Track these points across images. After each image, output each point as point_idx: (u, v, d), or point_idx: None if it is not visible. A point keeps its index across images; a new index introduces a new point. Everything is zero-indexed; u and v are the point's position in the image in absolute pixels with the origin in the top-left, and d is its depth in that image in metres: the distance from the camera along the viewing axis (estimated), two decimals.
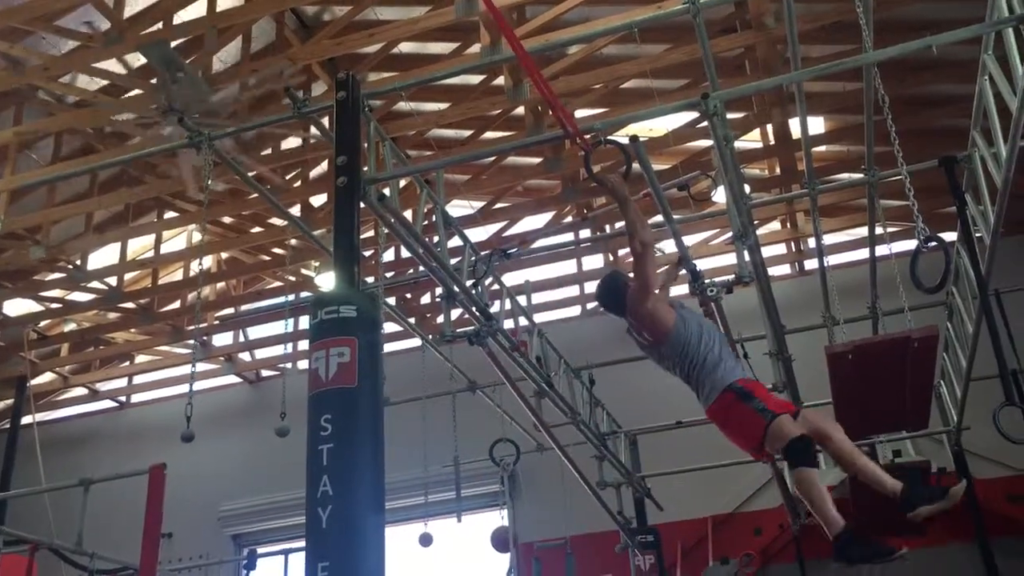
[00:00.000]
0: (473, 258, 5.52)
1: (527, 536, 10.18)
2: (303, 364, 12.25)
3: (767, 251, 9.76)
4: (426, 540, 7.38)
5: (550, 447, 8.10)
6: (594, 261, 11.51)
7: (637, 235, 4.52)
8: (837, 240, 10.52)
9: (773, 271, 8.68)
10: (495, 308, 5.59)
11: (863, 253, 9.86)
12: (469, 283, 5.06)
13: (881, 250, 6.52)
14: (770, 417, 4.29)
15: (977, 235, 5.41)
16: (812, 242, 10.70)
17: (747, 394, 4.47)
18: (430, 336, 8.38)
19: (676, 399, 9.85)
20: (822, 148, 9.99)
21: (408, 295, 11.80)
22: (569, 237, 11.11)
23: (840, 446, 4.35)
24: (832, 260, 10.55)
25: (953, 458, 8.24)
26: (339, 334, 3.68)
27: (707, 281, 4.68)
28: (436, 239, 5.07)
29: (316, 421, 3.59)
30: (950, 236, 10.31)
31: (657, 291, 4.79)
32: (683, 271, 5.13)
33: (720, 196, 8.57)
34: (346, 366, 3.62)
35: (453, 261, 5.18)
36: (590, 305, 11.70)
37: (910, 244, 9.23)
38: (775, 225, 10.96)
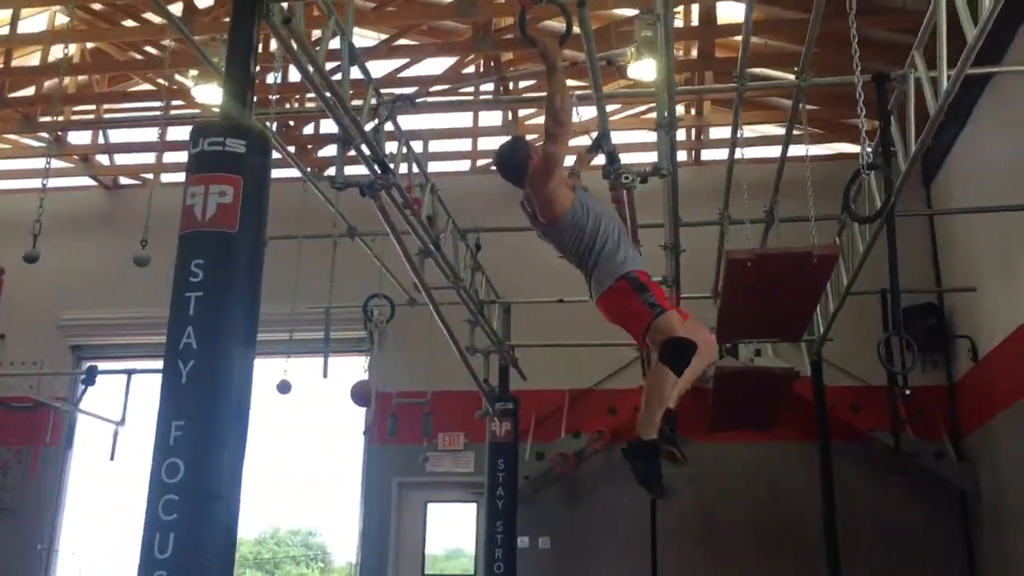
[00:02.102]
0: (374, 100, 5.05)
1: (386, 386, 10.04)
2: (167, 177, 11.48)
3: None
4: (284, 388, 7.09)
5: (423, 303, 7.89)
6: (492, 117, 11.06)
7: (558, 110, 4.17)
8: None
9: None
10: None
11: (760, 152, 9.83)
12: (369, 127, 4.61)
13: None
14: (658, 311, 4.12)
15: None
16: (714, 132, 10.59)
17: (641, 286, 4.26)
18: (309, 169, 7.90)
19: (554, 271, 9.88)
20: (739, 38, 9.69)
21: (291, 122, 11.08)
22: (469, 88, 10.61)
23: (691, 374, 4.26)
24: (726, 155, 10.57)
25: (811, 366, 8.49)
26: (223, 170, 3.25)
27: (621, 167, 4.40)
28: (337, 73, 4.58)
29: (185, 264, 3.19)
30: (847, 148, 10.50)
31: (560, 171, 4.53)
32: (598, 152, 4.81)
33: (635, 72, 8.27)
34: (227, 208, 3.20)
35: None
36: (481, 162, 11.33)
37: (813, 150, 9.35)
38: (677, 109, 10.73)
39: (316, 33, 5.23)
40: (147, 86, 11.06)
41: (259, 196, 3.31)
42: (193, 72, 9.40)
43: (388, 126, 5.36)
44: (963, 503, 9.23)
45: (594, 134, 4.84)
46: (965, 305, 9.10)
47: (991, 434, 8.42)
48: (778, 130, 10.52)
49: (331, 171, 11.00)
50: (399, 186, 4.89)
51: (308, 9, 7.74)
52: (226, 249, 3.19)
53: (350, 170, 5.12)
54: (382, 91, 5.22)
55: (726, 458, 9.69)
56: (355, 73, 4.93)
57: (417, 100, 5.11)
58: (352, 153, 4.81)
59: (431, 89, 10.51)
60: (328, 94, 4.32)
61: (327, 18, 4.50)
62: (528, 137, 10.92)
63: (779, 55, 9.10)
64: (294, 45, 3.91)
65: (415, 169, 5.95)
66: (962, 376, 9.05)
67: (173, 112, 10.32)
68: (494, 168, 11.45)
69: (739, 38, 9.68)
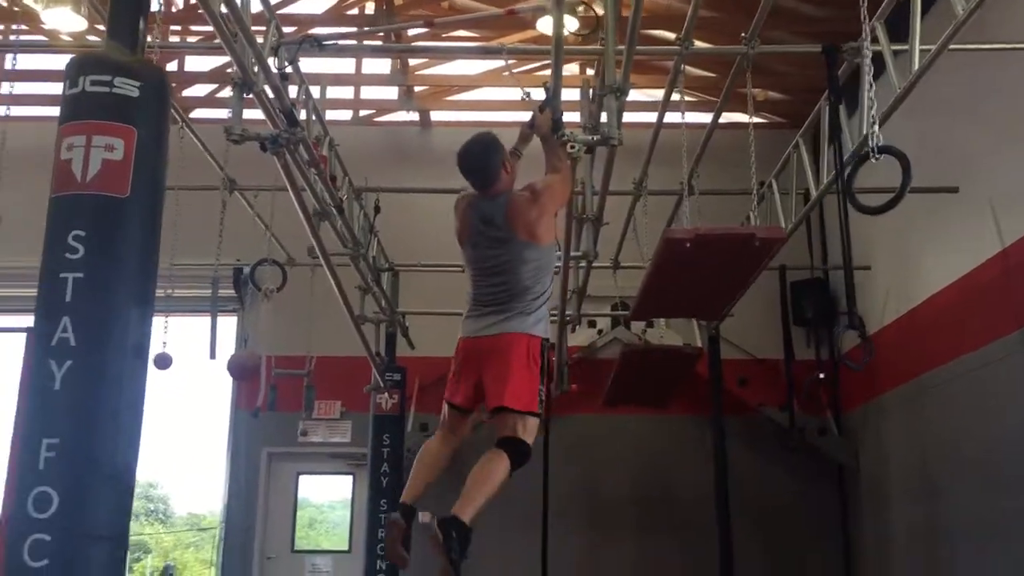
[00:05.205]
0: (276, 39, 4.37)
1: (260, 348, 9.27)
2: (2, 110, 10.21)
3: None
4: (163, 362, 6.27)
5: (305, 264, 7.22)
6: (378, 65, 10.31)
7: (564, 165, 3.96)
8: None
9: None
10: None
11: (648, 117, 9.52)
12: (275, 70, 3.94)
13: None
14: (538, 411, 3.77)
15: None
16: None
17: (548, 375, 3.92)
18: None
19: (441, 229, 9.33)
20: None
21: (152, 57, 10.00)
22: (352, 29, 9.82)
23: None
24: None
25: (708, 340, 8.32)
26: (111, 118, 2.58)
27: (569, 133, 3.91)
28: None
29: (60, 236, 2.52)
30: (736, 118, 10.33)
31: None
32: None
33: (543, 26, 7.78)
34: (116, 167, 2.54)
35: None
36: (364, 112, 10.60)
37: (703, 117, 9.09)
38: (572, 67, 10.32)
39: None
40: None
41: (157, 153, 2.66)
42: None
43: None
44: (841, 477, 9.34)
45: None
46: (855, 283, 9.11)
47: (878, 411, 8.50)
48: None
49: (198, 113, 10.19)
50: (306, 142, 4.24)
51: None
52: (115, 219, 2.54)
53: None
54: (300, 37, 4.52)
55: (613, 430, 9.50)
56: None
57: (326, 43, 4.43)
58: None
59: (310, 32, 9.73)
60: (229, 28, 3.62)
61: None
62: (416, 88, 10.32)
63: (679, 19, 8.73)
64: None
65: (313, 120, 5.28)
66: (847, 352, 9.09)
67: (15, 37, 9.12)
68: (379, 119, 10.75)
69: None
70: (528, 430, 3.71)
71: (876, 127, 3.61)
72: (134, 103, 2.58)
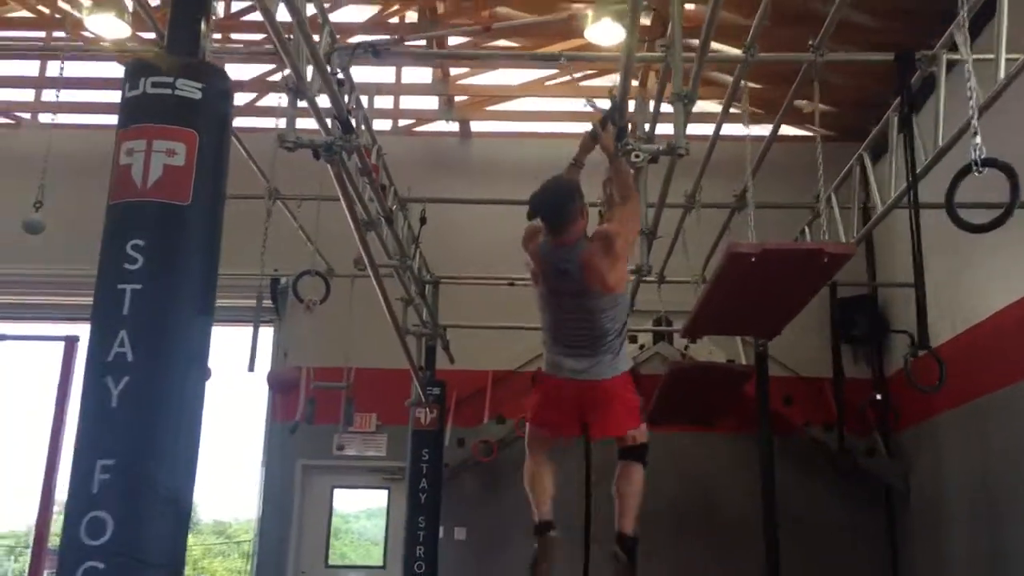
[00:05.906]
0: (329, 45, 4.24)
1: (293, 360, 9.18)
2: (46, 117, 10.25)
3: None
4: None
5: (343, 274, 7.12)
6: (418, 74, 10.21)
7: (629, 185, 3.97)
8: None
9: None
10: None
11: (702, 129, 9.32)
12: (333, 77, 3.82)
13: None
14: (644, 417, 4.14)
15: None
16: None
17: (636, 390, 4.15)
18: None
19: (483, 245, 9.16)
20: (691, 6, 9.14)
21: None
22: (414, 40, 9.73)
23: None
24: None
25: (756, 358, 8.09)
26: (172, 121, 2.45)
27: (633, 142, 3.76)
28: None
29: (118, 245, 2.40)
30: (789, 131, 10.09)
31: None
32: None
33: (593, 35, 7.61)
34: (178, 172, 2.41)
35: None
36: (404, 122, 10.50)
37: (756, 130, 8.88)
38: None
39: None
40: (23, 11, 9.75)
41: (219, 158, 2.53)
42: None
43: None
44: (888, 500, 9.06)
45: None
46: (904, 300, 8.86)
47: (931, 432, 8.24)
48: (716, 107, 10.07)
49: (239, 121, 10.14)
50: (360, 149, 4.11)
51: None
52: (175, 227, 2.41)
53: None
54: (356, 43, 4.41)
55: (654, 447, 9.26)
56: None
57: (381, 49, 4.30)
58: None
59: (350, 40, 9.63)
60: (287, 35, 3.50)
61: None
62: (457, 98, 10.19)
63: (734, 29, 8.56)
64: None
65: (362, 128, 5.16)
66: (897, 371, 8.83)
67: (56, 44, 9.12)
68: (418, 129, 10.61)
69: (688, 6, 9.26)
70: (642, 434, 4.06)
71: (978, 138, 3.41)
72: (197, 106, 2.46)
